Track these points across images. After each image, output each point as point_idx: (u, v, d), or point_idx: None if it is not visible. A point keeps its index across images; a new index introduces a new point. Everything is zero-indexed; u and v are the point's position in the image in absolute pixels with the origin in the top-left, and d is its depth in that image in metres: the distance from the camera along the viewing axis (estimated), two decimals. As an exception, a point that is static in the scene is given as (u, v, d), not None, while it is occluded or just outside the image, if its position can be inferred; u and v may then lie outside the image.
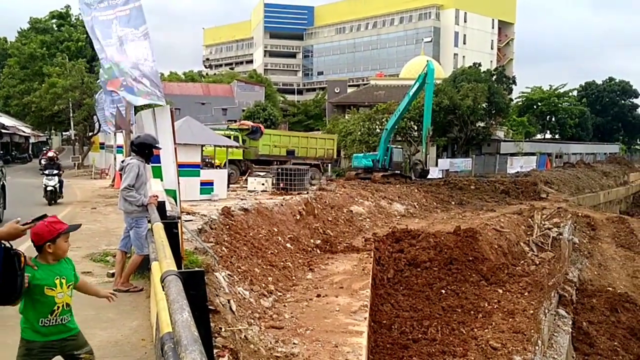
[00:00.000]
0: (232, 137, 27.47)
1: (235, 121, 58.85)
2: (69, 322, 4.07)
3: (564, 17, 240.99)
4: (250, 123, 30.07)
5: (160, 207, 7.14)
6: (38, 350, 3.93)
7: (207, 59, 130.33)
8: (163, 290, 3.13)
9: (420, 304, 13.96)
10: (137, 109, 13.29)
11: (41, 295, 3.88)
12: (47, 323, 3.93)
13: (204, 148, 25.64)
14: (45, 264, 3.95)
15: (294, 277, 12.77)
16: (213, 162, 26.52)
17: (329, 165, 37.07)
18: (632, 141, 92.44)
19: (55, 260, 3.99)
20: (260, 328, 8.88)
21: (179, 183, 8.13)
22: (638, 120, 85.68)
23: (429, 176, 37.67)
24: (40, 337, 3.92)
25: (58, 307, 3.95)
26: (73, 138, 47.40)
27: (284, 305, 10.60)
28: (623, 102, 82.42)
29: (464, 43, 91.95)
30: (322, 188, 23.92)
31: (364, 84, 74.51)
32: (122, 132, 21.73)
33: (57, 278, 3.95)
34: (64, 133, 54.84)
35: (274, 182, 22.27)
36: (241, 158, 27.17)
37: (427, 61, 38.42)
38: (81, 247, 11.06)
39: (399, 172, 36.18)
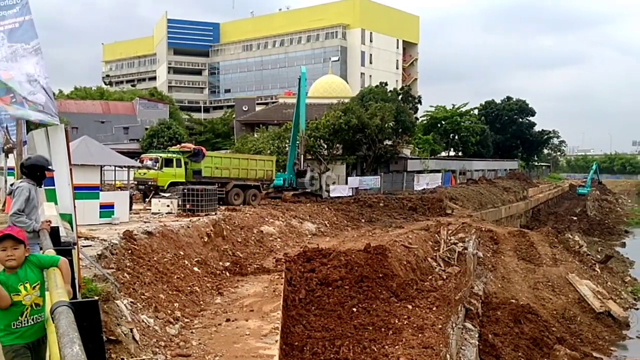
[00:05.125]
0: (174, 159, 26.99)
1: (138, 139, 57.29)
2: (40, 322, 4.21)
3: (464, 39, 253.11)
4: (191, 145, 29.53)
5: (54, 232, 6.74)
6: (23, 355, 4.15)
7: (108, 76, 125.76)
8: (53, 322, 3.04)
9: (332, 324, 13.87)
10: (30, 128, 12.46)
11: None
12: (19, 325, 4.13)
13: (146, 172, 25.04)
14: (9, 274, 4.14)
15: (201, 302, 12.37)
16: (156, 184, 25.73)
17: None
18: (530, 157, 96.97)
19: (11, 270, 4.13)
20: (166, 357, 8.54)
21: (75, 207, 7.62)
22: (535, 137, 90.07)
23: (340, 194, 38.06)
24: (19, 339, 4.14)
25: (27, 309, 4.15)
26: (-43, 160, 44.15)
27: (192, 332, 10.21)
28: (521, 120, 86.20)
29: (371, 62, 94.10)
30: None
31: (273, 102, 74.55)
32: (13, 152, 20.50)
33: (21, 284, 4.13)
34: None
35: (180, 203, 21.50)
36: (184, 180, 26.64)
37: (301, 67, 39.96)
38: (-34, 277, 10.19)
39: (309, 190, 36.30)
